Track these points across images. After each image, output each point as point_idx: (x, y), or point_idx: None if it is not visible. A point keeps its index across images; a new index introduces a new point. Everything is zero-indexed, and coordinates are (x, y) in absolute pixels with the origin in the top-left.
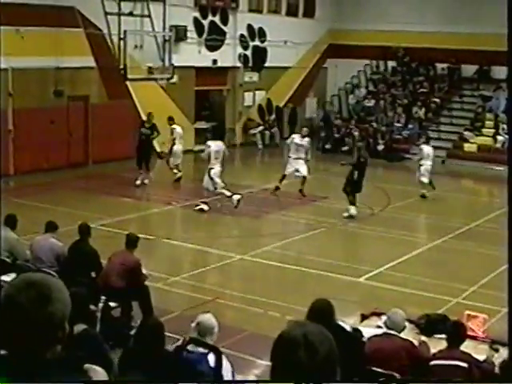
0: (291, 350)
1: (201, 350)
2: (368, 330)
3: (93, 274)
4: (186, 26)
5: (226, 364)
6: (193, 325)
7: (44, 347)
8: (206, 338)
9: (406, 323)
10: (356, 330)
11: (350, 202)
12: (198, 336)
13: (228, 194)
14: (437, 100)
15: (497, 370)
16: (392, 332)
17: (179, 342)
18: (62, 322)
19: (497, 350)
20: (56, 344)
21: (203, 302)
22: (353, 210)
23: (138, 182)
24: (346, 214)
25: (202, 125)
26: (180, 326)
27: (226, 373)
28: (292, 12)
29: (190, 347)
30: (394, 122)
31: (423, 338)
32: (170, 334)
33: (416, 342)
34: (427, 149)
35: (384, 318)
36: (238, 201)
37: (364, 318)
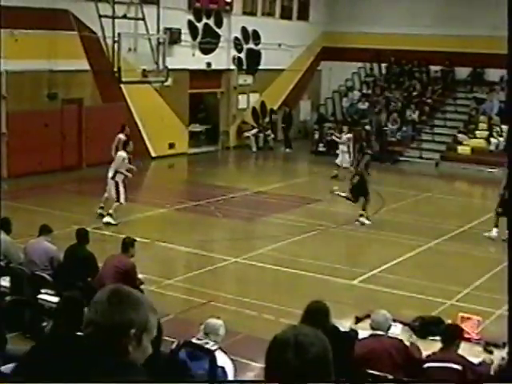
0: (280, 351)
1: (195, 352)
2: (362, 333)
3: (89, 279)
4: (180, 29)
5: (228, 362)
6: (201, 327)
7: (103, 349)
8: (211, 337)
9: (400, 325)
10: (353, 330)
11: (494, 224)
12: (203, 335)
13: (102, 205)
14: (430, 102)
15: (493, 372)
16: (379, 332)
17: (174, 345)
18: (128, 331)
19: (491, 352)
20: (115, 351)
21: (197, 305)
22: (494, 233)
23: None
24: (486, 234)
25: (197, 127)
26: (174, 328)
27: (229, 370)
28: (286, 15)
29: (184, 350)
30: (387, 124)
31: (413, 339)
32: (165, 337)
33: (407, 344)
34: (344, 137)
35: None
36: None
37: (358, 320)
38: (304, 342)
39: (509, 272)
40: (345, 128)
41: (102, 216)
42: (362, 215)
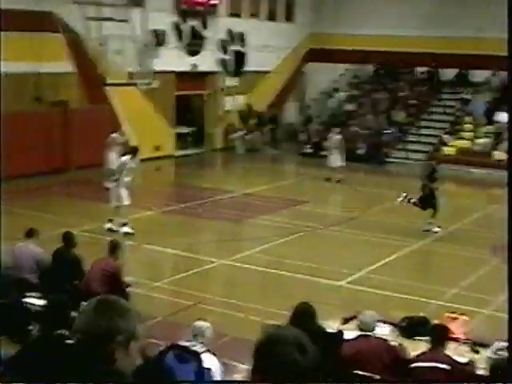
0: (286, 351)
1: (183, 355)
2: (350, 334)
3: (76, 282)
4: (165, 31)
5: (216, 364)
6: (189, 329)
7: (89, 355)
8: (198, 339)
9: (388, 326)
10: (340, 332)
11: None
12: (191, 337)
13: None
14: (416, 103)
15: (481, 371)
16: (366, 333)
17: (162, 348)
18: (114, 338)
19: (477, 352)
20: (101, 357)
21: (185, 307)
22: None
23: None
24: None
25: (183, 130)
26: (162, 331)
27: (216, 371)
28: (272, 16)
29: (172, 352)
30: (373, 125)
31: (400, 339)
32: (153, 340)
33: (395, 344)
34: (335, 138)
35: None
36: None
37: (345, 321)
38: (304, 341)
39: (509, 272)
40: (335, 129)
41: (111, 230)
42: (430, 223)
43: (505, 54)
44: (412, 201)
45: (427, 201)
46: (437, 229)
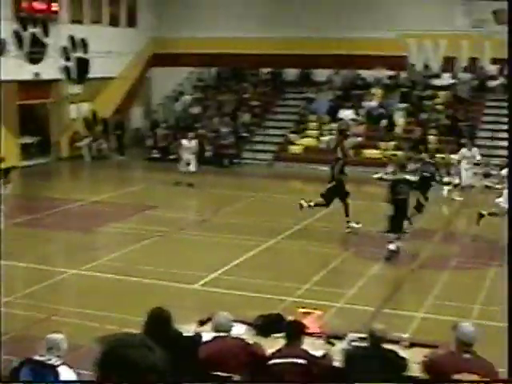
0: (139, 353)
1: (38, 369)
2: (206, 336)
3: None
4: (5, 39)
5: (72, 377)
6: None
7: None
8: (53, 353)
9: (243, 325)
10: (197, 334)
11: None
12: (46, 351)
13: None
14: (261, 104)
15: (337, 363)
16: (222, 334)
17: (15, 363)
18: None
19: (333, 344)
20: None
21: (39, 321)
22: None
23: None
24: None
25: (27, 139)
26: (16, 347)
27: None
28: (114, 22)
29: (27, 367)
30: (220, 127)
31: (256, 337)
32: (6, 356)
33: (251, 342)
34: (190, 142)
35: None
36: None
37: (202, 323)
38: (150, 343)
39: (509, 275)
40: (189, 134)
41: None
42: (349, 221)
43: (344, 52)
44: (313, 204)
45: (337, 191)
46: (356, 225)
